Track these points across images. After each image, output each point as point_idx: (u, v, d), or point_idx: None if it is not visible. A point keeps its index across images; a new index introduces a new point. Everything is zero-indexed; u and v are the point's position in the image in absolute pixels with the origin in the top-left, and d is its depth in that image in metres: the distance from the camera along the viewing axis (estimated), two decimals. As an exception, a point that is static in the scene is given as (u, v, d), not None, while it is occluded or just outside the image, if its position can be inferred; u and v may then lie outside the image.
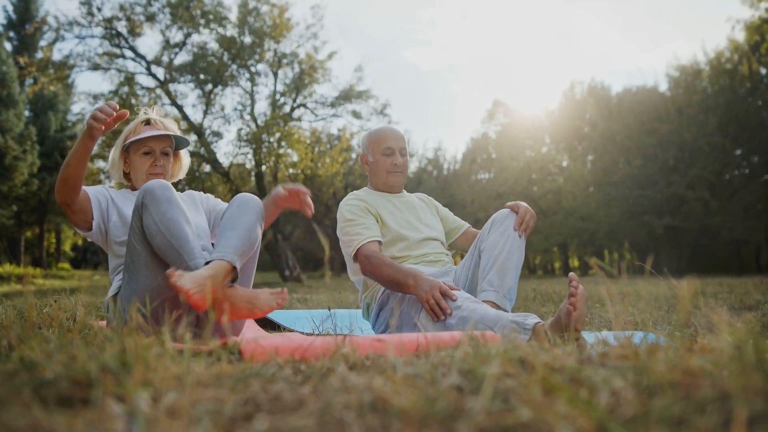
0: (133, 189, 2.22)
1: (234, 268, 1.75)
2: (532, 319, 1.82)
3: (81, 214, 2.04)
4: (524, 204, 2.24)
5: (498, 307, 2.03)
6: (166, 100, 14.63)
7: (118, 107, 1.86)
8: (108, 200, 2.12)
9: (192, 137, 14.49)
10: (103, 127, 1.84)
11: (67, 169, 1.91)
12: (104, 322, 2.08)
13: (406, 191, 2.55)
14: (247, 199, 1.98)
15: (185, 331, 1.61)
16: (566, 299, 1.79)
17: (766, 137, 20.58)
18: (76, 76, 35.20)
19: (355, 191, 2.44)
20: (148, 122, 2.19)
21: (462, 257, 2.43)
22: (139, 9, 14.05)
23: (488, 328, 1.83)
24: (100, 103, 14.40)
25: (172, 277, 1.57)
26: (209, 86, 14.75)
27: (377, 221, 2.32)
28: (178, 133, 2.23)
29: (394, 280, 2.09)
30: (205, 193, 2.40)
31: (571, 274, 1.81)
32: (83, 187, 2.05)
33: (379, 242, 2.25)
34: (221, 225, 1.92)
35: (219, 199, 2.39)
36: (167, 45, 14.56)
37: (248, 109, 15.30)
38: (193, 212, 2.18)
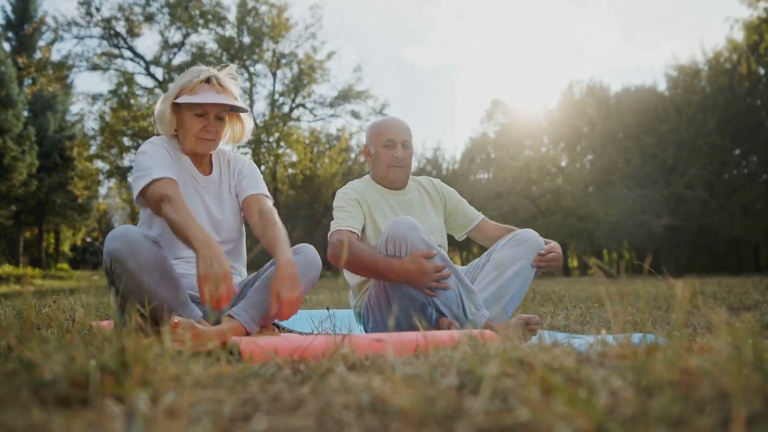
0: (183, 151, 2.01)
1: (247, 333, 1.73)
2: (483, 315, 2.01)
3: None
4: (559, 250, 2.21)
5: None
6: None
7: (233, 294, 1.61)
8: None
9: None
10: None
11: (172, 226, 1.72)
12: (105, 322, 2.07)
13: (411, 180, 2.44)
14: (311, 264, 1.83)
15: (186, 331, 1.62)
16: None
17: (765, 137, 20.57)
18: (75, 77, 35.18)
19: (354, 181, 2.37)
20: (208, 80, 1.94)
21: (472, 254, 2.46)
22: (137, 9, 14.09)
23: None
24: (99, 105, 14.13)
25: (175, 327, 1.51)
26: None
27: (365, 217, 2.24)
28: (238, 97, 2.02)
29: (371, 267, 1.99)
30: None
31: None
32: (172, 178, 1.83)
33: (357, 236, 2.16)
34: (273, 275, 1.73)
35: (248, 174, 2.08)
36: (166, 45, 14.57)
37: (247, 109, 15.30)
38: (206, 211, 2.00)
